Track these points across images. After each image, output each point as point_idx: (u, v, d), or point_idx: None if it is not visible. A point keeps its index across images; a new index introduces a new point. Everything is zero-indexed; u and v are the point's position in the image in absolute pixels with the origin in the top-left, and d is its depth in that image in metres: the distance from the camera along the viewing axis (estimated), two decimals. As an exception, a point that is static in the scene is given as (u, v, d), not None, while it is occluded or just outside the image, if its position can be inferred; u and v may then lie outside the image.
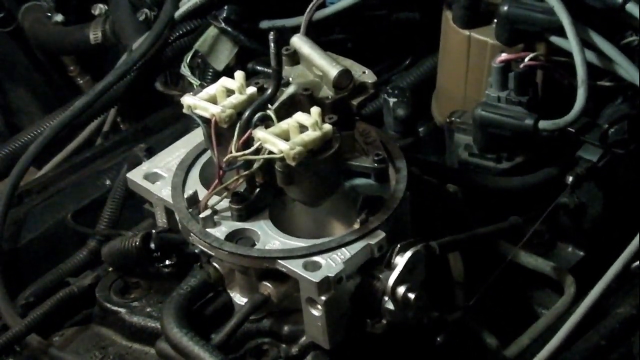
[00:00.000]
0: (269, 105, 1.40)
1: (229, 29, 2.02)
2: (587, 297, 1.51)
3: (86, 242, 1.76)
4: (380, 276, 1.37)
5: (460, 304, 1.56)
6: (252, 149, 1.37)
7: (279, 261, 1.36)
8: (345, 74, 1.43)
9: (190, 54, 2.04)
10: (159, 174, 1.53)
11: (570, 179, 1.63)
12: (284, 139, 1.35)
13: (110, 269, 1.58)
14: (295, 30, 1.64)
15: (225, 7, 2.04)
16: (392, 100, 1.80)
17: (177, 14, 2.05)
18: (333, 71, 1.42)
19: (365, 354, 1.43)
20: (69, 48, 2.34)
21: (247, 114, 1.39)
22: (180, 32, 2.06)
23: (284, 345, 1.44)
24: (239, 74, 1.43)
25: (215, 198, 1.44)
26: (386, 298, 1.36)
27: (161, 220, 1.54)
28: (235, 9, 2.03)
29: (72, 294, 1.61)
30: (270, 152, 1.35)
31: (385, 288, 1.35)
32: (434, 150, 1.87)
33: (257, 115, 1.39)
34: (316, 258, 1.35)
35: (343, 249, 1.36)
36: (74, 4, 2.39)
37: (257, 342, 1.45)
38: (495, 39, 1.74)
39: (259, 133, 1.36)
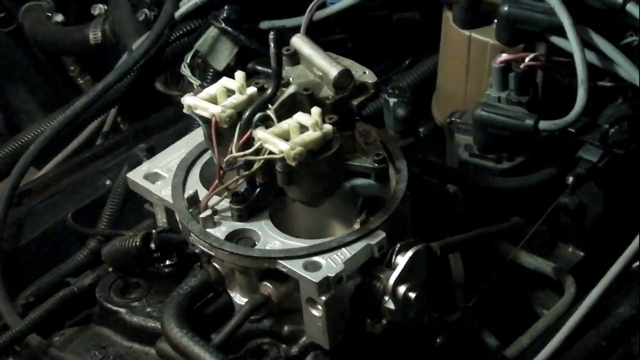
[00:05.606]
0: (269, 105, 1.40)
1: (229, 29, 2.02)
2: (587, 297, 1.51)
3: (86, 242, 1.76)
4: (381, 276, 1.37)
5: (460, 304, 1.56)
6: (253, 149, 1.37)
7: (280, 261, 1.36)
8: (345, 74, 1.43)
9: (190, 54, 2.04)
10: (159, 174, 1.53)
11: (571, 179, 1.63)
12: (284, 139, 1.35)
13: (110, 269, 1.59)
14: (295, 30, 1.64)
15: (225, 7, 2.03)
16: (392, 100, 1.80)
17: (177, 14, 2.05)
18: (333, 71, 1.42)
19: (365, 354, 1.43)
20: (69, 48, 2.34)
21: (247, 114, 1.39)
22: (181, 32, 2.06)
23: (284, 345, 1.44)
24: (239, 74, 1.43)
25: (215, 198, 1.44)
26: (387, 298, 1.36)
27: (161, 220, 1.54)
28: (236, 9, 2.03)
29: (72, 294, 1.62)
30: (271, 152, 1.35)
31: (385, 288, 1.36)
32: (434, 150, 1.87)
33: (257, 116, 1.39)
34: (316, 258, 1.35)
35: (343, 249, 1.36)
36: (74, 4, 2.39)
37: (257, 342, 1.45)
38: (496, 39, 1.74)
39: (259, 133, 1.36)
